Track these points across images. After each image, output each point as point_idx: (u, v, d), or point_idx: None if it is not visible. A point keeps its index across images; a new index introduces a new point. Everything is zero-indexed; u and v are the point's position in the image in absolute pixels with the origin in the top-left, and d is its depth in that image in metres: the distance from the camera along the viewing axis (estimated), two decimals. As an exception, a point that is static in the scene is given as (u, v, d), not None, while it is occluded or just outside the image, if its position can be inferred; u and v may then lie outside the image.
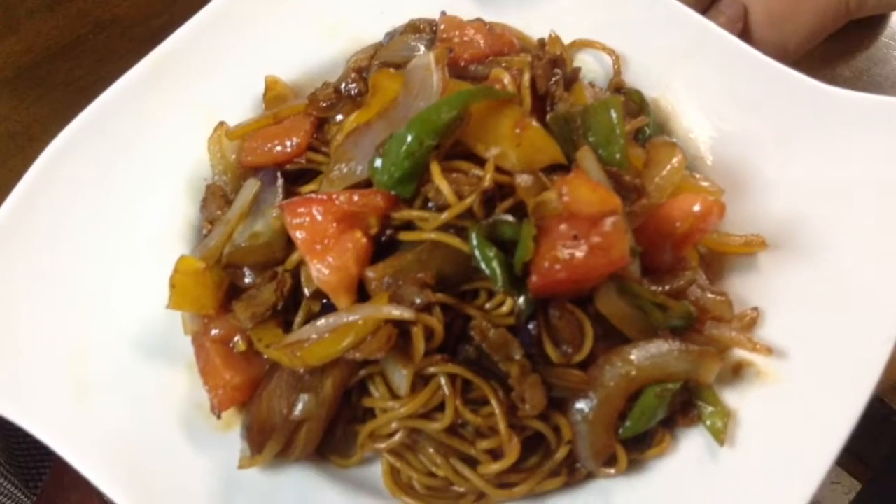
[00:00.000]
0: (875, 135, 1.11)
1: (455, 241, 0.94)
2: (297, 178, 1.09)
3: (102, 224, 1.09)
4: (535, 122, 0.98)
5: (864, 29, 1.56)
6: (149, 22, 1.57)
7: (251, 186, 1.03)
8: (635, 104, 1.20)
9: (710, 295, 1.05)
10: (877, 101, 1.12)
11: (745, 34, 1.37)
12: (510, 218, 0.94)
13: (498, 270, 0.91)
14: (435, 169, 0.95)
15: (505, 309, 0.95)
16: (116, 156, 1.12)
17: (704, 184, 1.12)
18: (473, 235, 0.92)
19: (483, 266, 0.91)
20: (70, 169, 1.09)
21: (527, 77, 1.04)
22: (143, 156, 1.14)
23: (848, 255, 1.06)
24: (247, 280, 1.02)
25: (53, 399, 0.98)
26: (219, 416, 0.99)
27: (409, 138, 0.93)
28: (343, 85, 1.12)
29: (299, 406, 0.94)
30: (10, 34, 1.56)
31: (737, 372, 1.03)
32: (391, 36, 1.22)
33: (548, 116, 1.02)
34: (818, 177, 1.13)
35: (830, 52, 1.50)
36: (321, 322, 0.92)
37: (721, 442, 0.97)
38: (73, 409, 0.97)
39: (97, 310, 1.05)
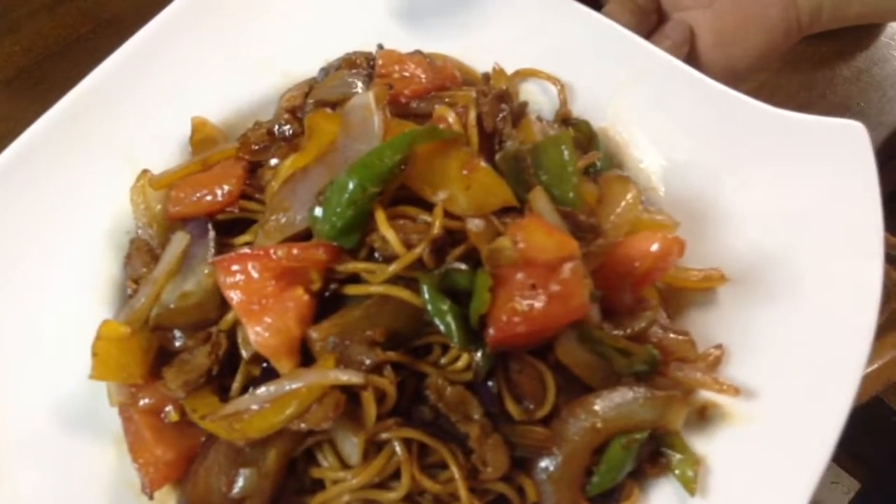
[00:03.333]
0: (827, 158, 1.08)
1: (405, 294, 0.87)
2: (230, 228, 1.01)
3: (13, 284, 1.00)
4: (483, 163, 0.93)
5: (864, 29, 1.53)
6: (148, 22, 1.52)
7: (179, 241, 0.95)
8: (584, 136, 1.15)
9: (671, 335, 1.00)
10: (828, 123, 1.10)
11: (692, 57, 1.33)
12: (463, 266, 0.88)
13: (453, 325, 0.85)
14: (380, 217, 0.88)
15: (461, 364, 0.89)
16: (29, 209, 1.03)
17: (659, 217, 1.08)
18: (425, 289, 0.85)
19: (437, 321, 0.85)
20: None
21: (473, 115, 0.98)
22: (58, 208, 1.04)
23: (810, 284, 1.03)
24: (177, 343, 0.94)
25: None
26: (150, 497, 0.90)
27: (351, 185, 0.87)
28: (276, 126, 1.04)
29: (240, 482, 0.86)
30: (9, 34, 1.56)
31: (702, 414, 0.99)
32: (326, 71, 1.16)
33: (497, 156, 0.96)
34: (773, 204, 1.11)
35: (830, 52, 1.48)
36: (261, 390, 0.84)
37: (692, 492, 0.92)
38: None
39: (10, 380, 0.95)
